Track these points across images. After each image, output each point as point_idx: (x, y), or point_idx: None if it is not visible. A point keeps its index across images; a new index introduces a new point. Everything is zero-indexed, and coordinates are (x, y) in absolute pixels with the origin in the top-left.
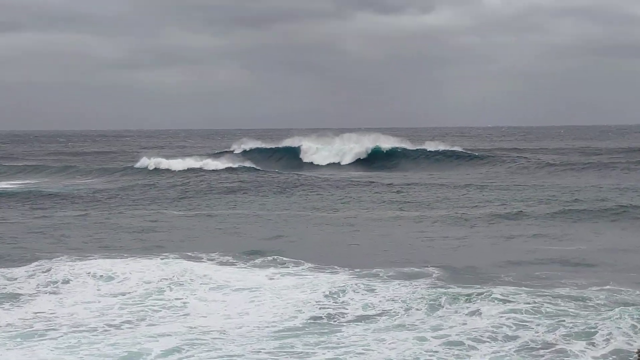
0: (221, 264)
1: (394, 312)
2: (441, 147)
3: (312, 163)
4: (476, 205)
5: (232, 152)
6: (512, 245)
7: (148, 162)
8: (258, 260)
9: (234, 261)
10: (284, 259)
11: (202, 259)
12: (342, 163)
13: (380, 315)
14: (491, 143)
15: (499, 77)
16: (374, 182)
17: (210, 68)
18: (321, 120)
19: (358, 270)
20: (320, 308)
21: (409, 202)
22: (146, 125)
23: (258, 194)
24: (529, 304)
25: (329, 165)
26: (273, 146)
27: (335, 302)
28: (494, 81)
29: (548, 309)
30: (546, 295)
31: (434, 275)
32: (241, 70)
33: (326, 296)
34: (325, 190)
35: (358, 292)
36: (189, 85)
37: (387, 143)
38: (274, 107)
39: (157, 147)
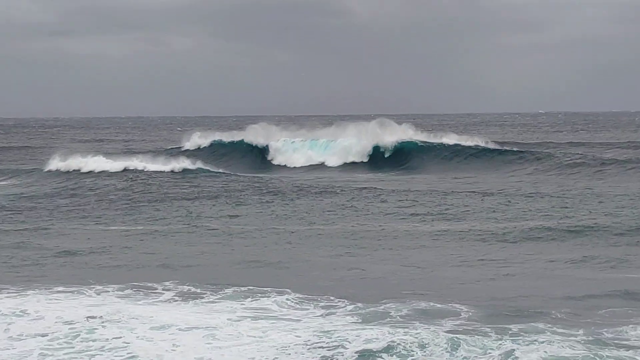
0: (180, 296)
1: None
2: (469, 141)
3: (285, 166)
4: (518, 218)
5: (180, 148)
6: (563, 272)
7: (69, 162)
8: (229, 291)
9: (196, 292)
10: (264, 288)
11: (151, 289)
12: (330, 164)
13: None
14: (541, 135)
15: (553, 49)
16: (377, 188)
17: (167, 35)
18: (316, 106)
19: (361, 305)
20: (308, 353)
21: (426, 213)
22: (80, 112)
23: (221, 203)
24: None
25: (312, 166)
26: (235, 139)
27: (329, 348)
28: (546, 54)
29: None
30: (610, 341)
31: (462, 315)
32: (209, 38)
33: (316, 339)
34: (311, 197)
35: (359, 337)
36: (139, 58)
37: (393, 136)
38: (253, 88)
39: (94, 140)
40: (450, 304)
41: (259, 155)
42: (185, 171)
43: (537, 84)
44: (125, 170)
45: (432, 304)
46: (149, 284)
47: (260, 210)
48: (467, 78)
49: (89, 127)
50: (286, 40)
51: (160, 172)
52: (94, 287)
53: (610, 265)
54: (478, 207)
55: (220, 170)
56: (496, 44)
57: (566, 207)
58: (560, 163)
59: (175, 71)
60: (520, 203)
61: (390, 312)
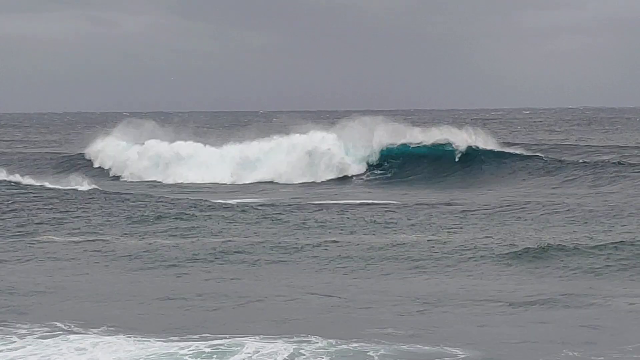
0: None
1: None
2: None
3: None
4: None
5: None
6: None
7: None
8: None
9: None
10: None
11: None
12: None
13: None
14: (564, 135)
15: (586, 31)
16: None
17: (115, 13)
18: (302, 100)
19: (334, 341)
20: None
21: (409, 226)
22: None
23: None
24: None
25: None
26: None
27: None
28: (570, 37)
29: None
30: None
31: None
32: (167, 17)
33: None
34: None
35: None
36: (79, 41)
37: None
38: (220, 78)
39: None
40: (443, 347)
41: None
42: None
43: (564, 75)
44: None
45: (419, 346)
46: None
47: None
48: (474, 68)
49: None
50: (262, 22)
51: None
52: None
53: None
54: (474, 223)
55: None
56: (512, 25)
57: (588, 224)
58: (591, 169)
59: (125, 58)
60: (527, 219)
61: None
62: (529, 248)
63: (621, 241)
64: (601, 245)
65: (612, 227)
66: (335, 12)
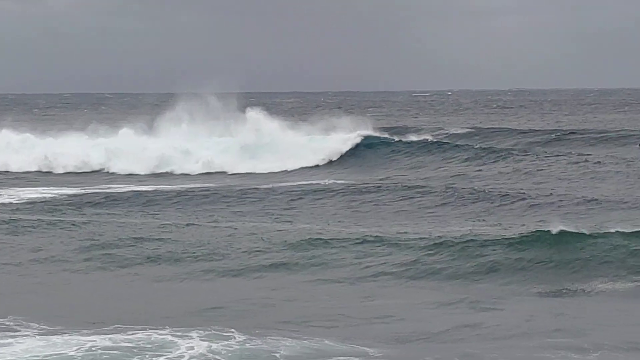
0: None
1: None
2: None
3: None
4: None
5: None
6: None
7: None
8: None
9: None
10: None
11: None
12: None
13: None
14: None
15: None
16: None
17: None
18: (231, 82)
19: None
20: None
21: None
22: None
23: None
24: None
25: None
26: None
27: None
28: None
29: None
30: None
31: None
32: None
33: None
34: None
35: None
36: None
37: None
38: (148, 58)
39: None
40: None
41: None
42: None
43: (509, 56)
44: None
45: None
46: None
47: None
48: (413, 48)
49: None
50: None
51: None
52: None
53: None
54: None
55: None
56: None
57: None
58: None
59: (49, 37)
60: None
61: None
62: None
63: None
64: None
65: None
66: None
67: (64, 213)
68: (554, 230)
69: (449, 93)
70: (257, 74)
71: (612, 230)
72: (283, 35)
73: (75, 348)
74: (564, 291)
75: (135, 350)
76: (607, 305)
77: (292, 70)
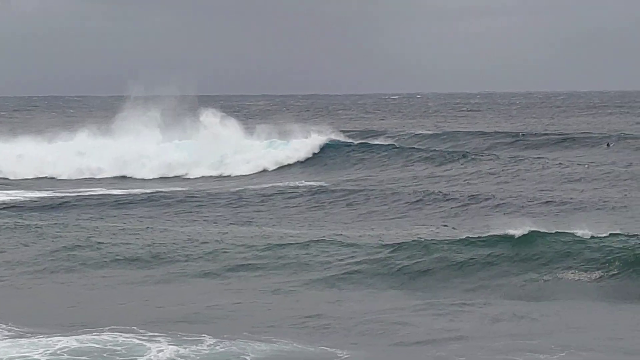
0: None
1: None
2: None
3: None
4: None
5: None
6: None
7: None
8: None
9: None
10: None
11: None
12: None
13: None
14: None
15: (505, 15)
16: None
17: None
18: (198, 85)
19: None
20: None
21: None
22: None
23: None
24: None
25: None
26: None
27: None
28: (495, 21)
29: None
30: None
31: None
32: None
33: None
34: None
35: None
36: None
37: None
38: (122, 60)
39: None
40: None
41: None
42: None
43: (478, 61)
44: None
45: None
46: None
47: None
48: (383, 52)
49: None
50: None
51: None
52: None
53: None
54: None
55: None
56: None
57: None
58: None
59: (20, 38)
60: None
61: None
62: None
63: None
64: None
65: None
66: None
67: (30, 216)
68: (519, 232)
69: (419, 96)
70: (228, 77)
71: (578, 231)
72: (253, 38)
73: (41, 350)
74: (530, 292)
75: (105, 355)
76: (572, 306)
77: (263, 73)
